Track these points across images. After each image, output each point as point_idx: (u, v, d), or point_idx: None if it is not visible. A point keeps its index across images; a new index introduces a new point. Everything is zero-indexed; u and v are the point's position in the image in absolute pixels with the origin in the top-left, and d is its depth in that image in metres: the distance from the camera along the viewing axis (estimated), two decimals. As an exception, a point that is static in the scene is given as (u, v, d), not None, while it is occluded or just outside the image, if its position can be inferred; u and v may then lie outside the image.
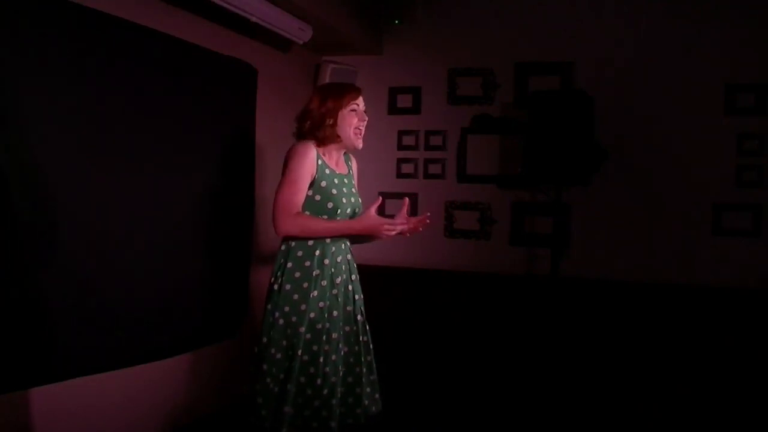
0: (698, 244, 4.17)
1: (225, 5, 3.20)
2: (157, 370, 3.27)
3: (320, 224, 2.52)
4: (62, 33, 2.62)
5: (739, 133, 4.11)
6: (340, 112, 2.56)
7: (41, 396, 2.62)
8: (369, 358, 2.69)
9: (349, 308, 2.63)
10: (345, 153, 2.74)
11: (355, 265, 2.70)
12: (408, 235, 2.59)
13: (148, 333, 3.15)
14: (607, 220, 4.35)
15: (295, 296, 2.50)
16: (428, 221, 2.55)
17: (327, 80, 4.40)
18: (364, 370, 2.65)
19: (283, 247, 2.58)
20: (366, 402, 2.64)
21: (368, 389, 2.66)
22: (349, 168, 2.76)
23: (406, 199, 2.57)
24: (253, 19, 3.42)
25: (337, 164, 2.66)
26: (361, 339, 2.65)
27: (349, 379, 2.62)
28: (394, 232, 2.49)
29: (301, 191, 2.50)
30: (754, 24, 4.08)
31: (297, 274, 2.52)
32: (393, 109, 4.82)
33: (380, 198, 2.58)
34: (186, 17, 3.35)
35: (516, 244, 4.54)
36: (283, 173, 2.53)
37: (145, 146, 3.09)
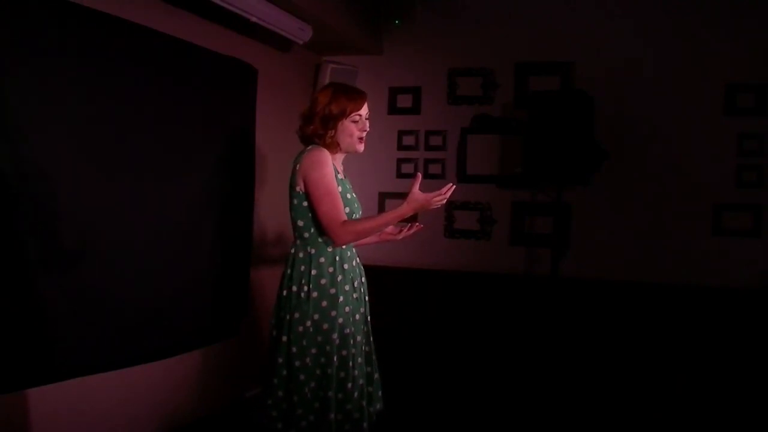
0: (698, 244, 4.17)
1: (225, 5, 3.19)
2: (157, 370, 3.27)
3: (371, 223, 2.48)
4: (62, 33, 2.62)
5: (739, 133, 4.11)
6: (341, 122, 2.52)
7: (41, 396, 2.62)
8: (374, 358, 2.72)
9: (362, 310, 2.65)
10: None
11: (362, 268, 2.71)
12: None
13: (148, 333, 3.15)
14: (607, 220, 4.35)
15: (324, 303, 2.47)
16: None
17: (327, 80, 4.39)
18: (373, 369, 2.69)
19: (301, 254, 2.53)
20: (373, 401, 2.68)
21: (374, 388, 2.70)
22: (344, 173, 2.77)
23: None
24: (253, 19, 3.41)
25: (341, 168, 2.67)
26: (371, 339, 2.69)
27: (364, 380, 2.65)
28: (444, 201, 2.42)
29: (339, 199, 2.47)
30: (754, 24, 4.08)
31: (323, 281, 2.49)
32: (393, 109, 4.83)
33: (419, 174, 2.50)
34: (186, 17, 3.35)
35: (516, 244, 4.54)
36: (314, 189, 2.46)
37: (144, 146, 3.08)
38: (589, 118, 3.95)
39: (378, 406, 2.70)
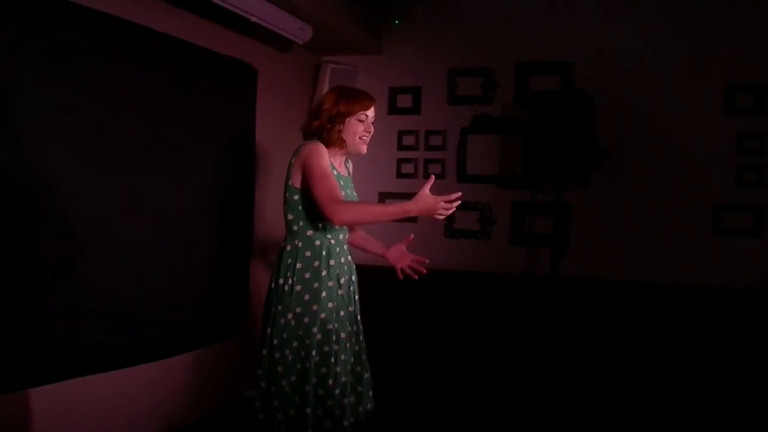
0: (698, 244, 4.17)
1: (225, 5, 3.20)
2: (157, 370, 3.27)
3: (373, 208, 2.49)
4: (62, 34, 2.62)
5: (739, 133, 4.11)
6: (348, 119, 2.55)
7: (41, 396, 2.62)
8: (364, 357, 2.72)
9: (350, 308, 2.65)
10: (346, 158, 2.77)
11: (354, 266, 2.71)
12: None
13: (149, 333, 3.15)
14: (607, 220, 4.35)
15: (306, 297, 2.49)
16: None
17: (327, 80, 4.40)
18: (363, 369, 2.68)
19: (288, 247, 2.56)
20: (364, 400, 2.68)
21: (364, 387, 2.70)
22: (349, 171, 2.78)
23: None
24: (253, 19, 3.42)
25: (339, 166, 2.67)
26: (360, 339, 2.69)
27: (351, 379, 2.64)
28: (450, 211, 2.37)
29: (335, 182, 2.46)
30: (754, 24, 4.08)
31: (307, 275, 2.51)
32: (393, 109, 4.83)
33: (433, 176, 2.41)
34: (186, 17, 3.35)
35: (516, 244, 4.54)
36: (310, 173, 2.46)
37: (145, 146, 3.09)
38: (589, 118, 3.95)
39: (369, 406, 2.70)
